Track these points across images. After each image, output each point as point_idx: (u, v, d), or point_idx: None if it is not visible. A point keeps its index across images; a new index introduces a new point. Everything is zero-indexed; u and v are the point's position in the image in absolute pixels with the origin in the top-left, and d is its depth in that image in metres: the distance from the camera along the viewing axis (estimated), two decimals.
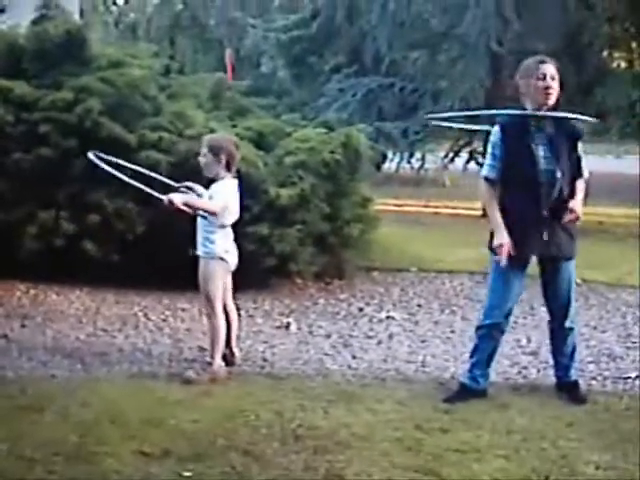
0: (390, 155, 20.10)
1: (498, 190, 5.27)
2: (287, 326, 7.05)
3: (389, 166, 20.39)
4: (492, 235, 5.28)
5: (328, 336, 6.83)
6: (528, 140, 5.17)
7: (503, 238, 5.16)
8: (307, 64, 22.60)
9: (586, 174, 5.30)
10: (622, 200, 17.19)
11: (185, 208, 5.55)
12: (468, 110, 18.00)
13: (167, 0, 31.35)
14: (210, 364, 5.71)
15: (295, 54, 23.03)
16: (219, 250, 5.73)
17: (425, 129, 18.56)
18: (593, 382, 5.80)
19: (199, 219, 5.74)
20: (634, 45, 22.59)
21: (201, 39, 30.91)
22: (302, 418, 4.90)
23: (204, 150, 5.79)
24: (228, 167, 5.76)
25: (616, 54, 22.81)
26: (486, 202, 5.38)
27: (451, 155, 20.14)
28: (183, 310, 7.42)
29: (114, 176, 5.74)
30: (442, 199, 15.52)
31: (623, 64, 23.14)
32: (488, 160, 5.33)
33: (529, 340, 6.73)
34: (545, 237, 5.16)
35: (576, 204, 5.17)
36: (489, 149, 5.32)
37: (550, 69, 5.20)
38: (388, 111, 19.31)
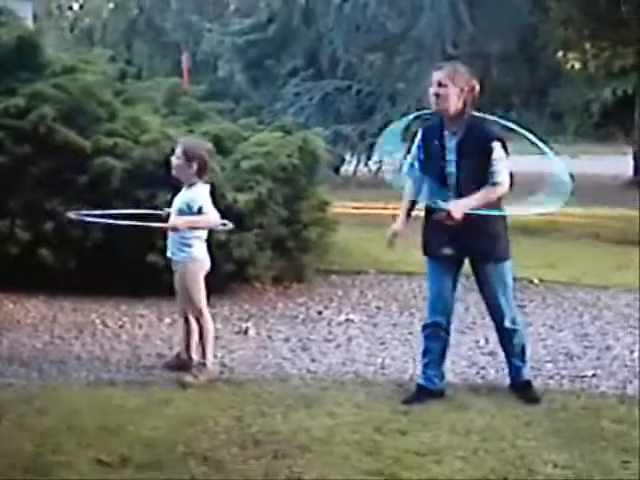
0: (348, 158, 20.17)
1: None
2: (246, 331, 7.03)
3: (347, 169, 20.44)
4: (423, 239, 5.44)
5: (287, 340, 6.83)
6: (440, 143, 5.29)
7: (395, 225, 5.48)
8: (264, 68, 22.60)
9: (498, 180, 5.20)
10: (578, 200, 17.34)
11: (187, 229, 5.68)
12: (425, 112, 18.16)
13: (123, 4, 31.19)
14: (204, 365, 5.73)
15: (252, 58, 23.04)
16: (198, 252, 5.77)
17: (382, 131, 18.67)
18: (550, 381, 5.85)
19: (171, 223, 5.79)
20: (588, 46, 22.87)
21: (157, 43, 30.78)
22: (261, 423, 4.89)
23: (178, 152, 5.81)
24: (199, 174, 5.79)
25: (570, 55, 23.07)
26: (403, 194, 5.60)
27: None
28: (141, 316, 7.37)
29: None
30: (400, 201, 15.52)
31: (577, 65, 23.40)
32: (408, 158, 5.57)
33: (487, 340, 6.76)
34: (452, 236, 5.23)
35: (453, 204, 5.13)
36: (412, 148, 5.55)
37: (438, 75, 5.26)
38: (345, 114, 19.40)
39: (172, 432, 4.73)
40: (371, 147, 19.57)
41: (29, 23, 11.28)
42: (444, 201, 5.19)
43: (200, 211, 5.68)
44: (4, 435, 4.65)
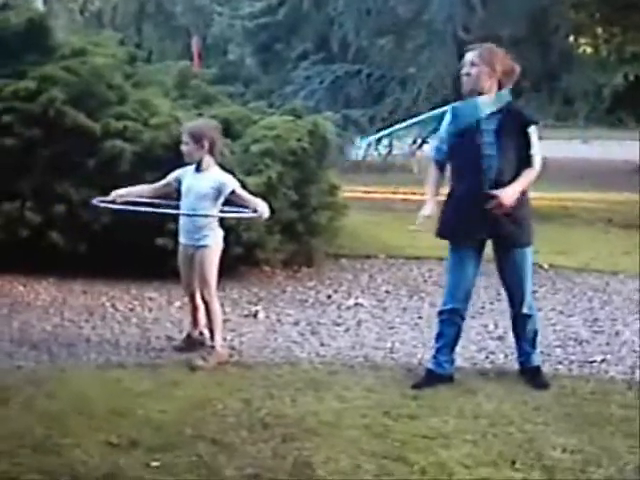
0: (357, 142, 20.10)
1: (449, 171, 5.37)
2: (255, 314, 7.04)
3: (356, 153, 20.37)
4: (442, 222, 5.38)
5: (296, 324, 6.83)
6: (475, 125, 5.21)
7: (425, 210, 5.34)
8: (274, 51, 22.56)
9: (536, 164, 5.22)
10: (588, 185, 17.30)
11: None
12: (435, 97, 18.11)
13: None
14: (213, 347, 5.76)
15: (262, 41, 22.98)
16: (218, 235, 5.83)
17: (392, 116, 18.62)
18: (559, 366, 5.84)
19: (189, 208, 5.78)
20: (599, 31, 22.73)
21: (167, 27, 30.73)
22: (270, 406, 4.90)
23: (185, 138, 5.81)
24: (211, 152, 5.79)
25: (582, 40, 22.94)
26: (427, 178, 5.51)
27: (419, 141, 20.19)
28: (151, 299, 7.39)
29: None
30: (410, 186, 15.50)
31: (589, 50, 23.28)
32: (435, 141, 5.55)
33: (496, 325, 6.76)
34: (483, 221, 5.19)
35: (503, 192, 5.07)
36: (439, 131, 5.50)
37: (469, 56, 5.24)
38: (355, 98, 19.35)
39: (181, 415, 4.74)
40: (380, 131, 19.52)
41: (39, 5, 11.29)
42: (480, 185, 5.15)
43: (233, 193, 5.73)
44: (14, 417, 4.67)
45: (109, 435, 4.40)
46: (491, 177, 5.16)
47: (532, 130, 5.22)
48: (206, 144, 5.75)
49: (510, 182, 5.15)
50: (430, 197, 5.43)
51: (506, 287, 5.48)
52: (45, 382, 5.21)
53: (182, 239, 5.89)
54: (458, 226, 5.29)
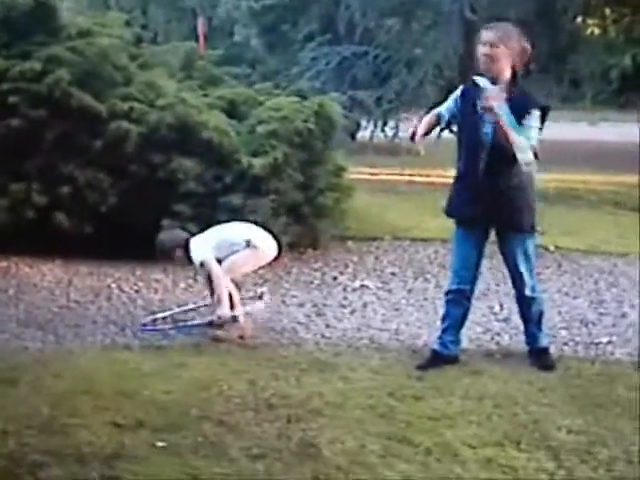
0: (364, 124, 20.05)
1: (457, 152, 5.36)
2: (260, 296, 7.03)
3: (363, 135, 20.34)
4: (448, 201, 5.40)
5: (302, 305, 6.83)
6: (477, 108, 5.15)
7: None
8: (280, 32, 22.43)
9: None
10: (596, 167, 17.23)
11: None
12: (441, 78, 18.06)
13: None
14: (236, 319, 5.84)
15: (268, 22, 22.86)
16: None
17: (399, 97, 18.57)
18: (565, 348, 5.84)
19: None
20: (608, 12, 22.60)
21: (173, 8, 30.59)
22: (275, 387, 4.91)
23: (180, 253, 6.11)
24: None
25: (590, 21, 22.79)
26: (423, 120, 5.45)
27: None
28: (156, 281, 7.39)
29: None
30: (416, 167, 15.46)
31: (597, 31, 23.14)
32: (442, 106, 5.42)
33: (501, 307, 6.76)
34: (483, 202, 5.18)
35: (492, 90, 5.07)
36: (448, 100, 5.42)
37: (489, 35, 5.13)
38: (362, 79, 19.26)
39: (186, 396, 4.75)
40: (387, 113, 19.46)
41: None
42: (476, 168, 5.14)
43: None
44: (20, 397, 4.68)
45: (115, 415, 4.41)
46: (486, 160, 5.13)
47: (533, 113, 5.13)
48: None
49: (506, 167, 5.13)
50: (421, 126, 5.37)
51: (508, 269, 5.48)
52: (51, 363, 5.23)
53: None
54: (460, 206, 5.32)
